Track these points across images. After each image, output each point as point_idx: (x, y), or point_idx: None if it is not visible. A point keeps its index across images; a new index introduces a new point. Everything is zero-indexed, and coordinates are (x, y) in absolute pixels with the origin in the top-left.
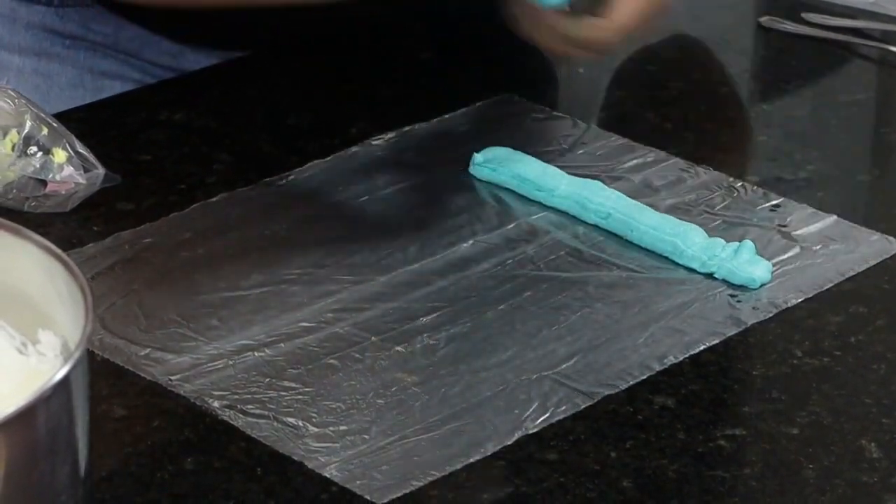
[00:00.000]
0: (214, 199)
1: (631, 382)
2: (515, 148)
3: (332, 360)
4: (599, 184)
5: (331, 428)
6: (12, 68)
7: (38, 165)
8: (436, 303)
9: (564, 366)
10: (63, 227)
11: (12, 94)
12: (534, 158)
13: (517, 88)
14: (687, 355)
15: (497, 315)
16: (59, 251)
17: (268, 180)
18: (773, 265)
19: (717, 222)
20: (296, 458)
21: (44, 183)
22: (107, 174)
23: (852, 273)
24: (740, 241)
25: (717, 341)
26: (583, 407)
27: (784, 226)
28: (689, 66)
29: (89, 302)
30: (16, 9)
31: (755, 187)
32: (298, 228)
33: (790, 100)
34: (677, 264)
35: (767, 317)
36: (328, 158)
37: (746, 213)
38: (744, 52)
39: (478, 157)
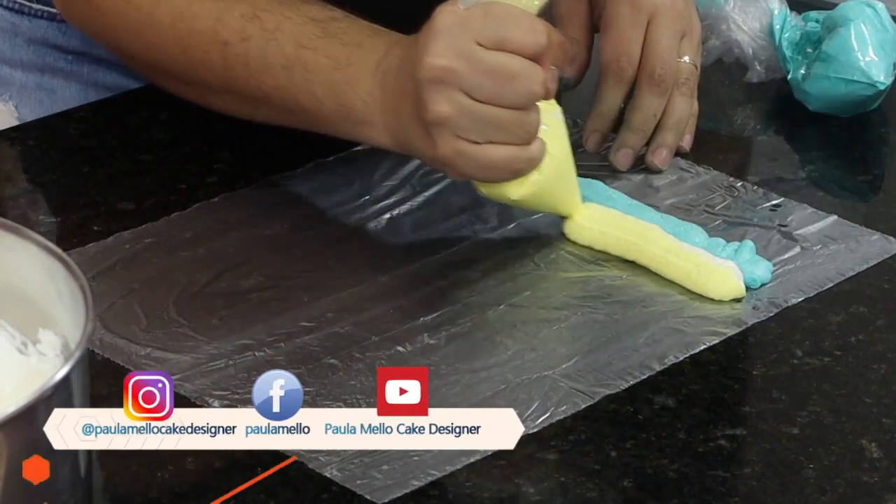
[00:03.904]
0: (215, 199)
1: (631, 382)
2: None
3: (332, 360)
4: (600, 184)
5: None
6: (14, 83)
7: None
8: (436, 303)
9: (564, 366)
10: (63, 227)
11: None
12: None
13: None
14: (687, 355)
15: (497, 315)
16: (59, 251)
17: (268, 180)
18: (774, 265)
19: (717, 222)
20: (296, 458)
21: None
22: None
23: (852, 273)
24: (740, 241)
25: (717, 341)
26: (583, 407)
27: (784, 226)
28: None
29: (89, 302)
30: (17, 23)
31: (755, 187)
32: (299, 228)
33: (790, 99)
34: None
35: (767, 317)
36: (329, 158)
37: (746, 213)
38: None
39: None
